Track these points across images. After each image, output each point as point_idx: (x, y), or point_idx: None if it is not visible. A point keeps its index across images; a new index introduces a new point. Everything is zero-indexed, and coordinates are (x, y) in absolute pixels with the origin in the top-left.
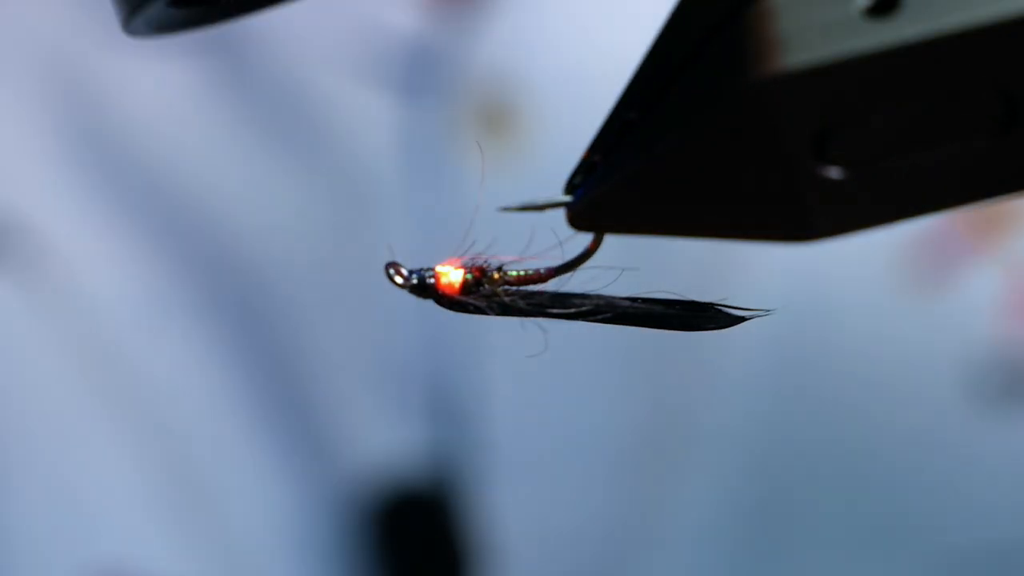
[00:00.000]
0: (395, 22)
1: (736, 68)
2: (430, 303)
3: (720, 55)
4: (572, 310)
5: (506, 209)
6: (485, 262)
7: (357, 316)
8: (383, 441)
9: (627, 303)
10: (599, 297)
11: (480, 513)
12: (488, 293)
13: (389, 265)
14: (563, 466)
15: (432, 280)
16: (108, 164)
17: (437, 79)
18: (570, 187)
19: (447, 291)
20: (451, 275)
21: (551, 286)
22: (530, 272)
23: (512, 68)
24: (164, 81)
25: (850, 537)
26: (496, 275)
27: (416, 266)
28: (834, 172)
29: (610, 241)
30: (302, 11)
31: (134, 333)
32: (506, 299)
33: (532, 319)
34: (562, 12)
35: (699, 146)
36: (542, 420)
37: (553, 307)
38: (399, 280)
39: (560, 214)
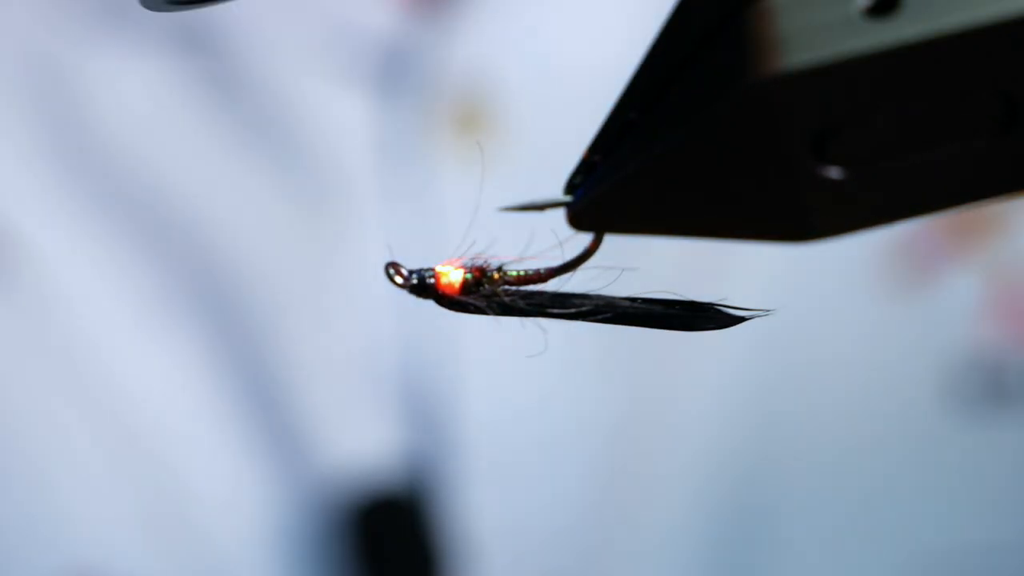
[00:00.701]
0: (370, 21)
1: (736, 68)
2: (412, 305)
3: (720, 55)
4: (572, 310)
5: (506, 209)
6: (485, 262)
7: (334, 315)
8: (358, 442)
9: (627, 303)
10: (599, 297)
11: (455, 514)
12: (488, 293)
13: (389, 265)
14: (538, 467)
15: (432, 280)
16: (83, 166)
17: (412, 79)
18: (570, 187)
19: (447, 291)
20: (451, 275)
21: (551, 286)
22: (530, 272)
23: (487, 68)
24: (140, 81)
25: (829, 540)
26: (496, 275)
27: (415, 266)
28: (834, 172)
29: (610, 241)
30: (277, 10)
31: (111, 335)
32: (506, 299)
33: (532, 319)
34: (537, 12)
35: (699, 146)
36: (517, 420)
37: (553, 307)
38: (399, 280)
39: (560, 214)
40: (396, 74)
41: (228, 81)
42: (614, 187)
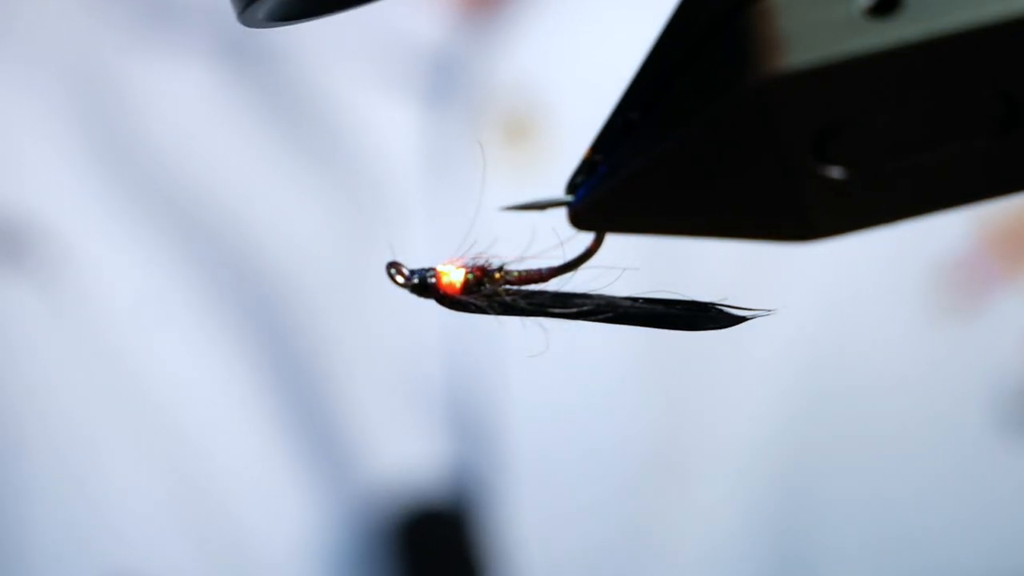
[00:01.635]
0: (418, 31)
1: (737, 68)
2: (454, 315)
3: (721, 55)
4: (573, 310)
5: (508, 208)
6: (486, 262)
7: (378, 326)
8: (403, 453)
9: (628, 303)
10: (600, 297)
11: (499, 526)
12: (489, 293)
13: (390, 265)
14: (583, 479)
15: (433, 280)
16: (130, 169)
17: (459, 89)
18: (572, 187)
19: (448, 291)
20: (452, 275)
21: (552, 286)
22: (531, 272)
23: (534, 79)
24: (186, 87)
25: (872, 565)
26: (497, 275)
27: (420, 267)
28: (835, 172)
29: (611, 241)
30: (326, 19)
31: (155, 340)
32: (507, 299)
33: (533, 319)
34: (584, 24)
35: (700, 146)
36: (562, 432)
37: (554, 307)
38: (400, 280)
39: (562, 214)
40: (444, 83)
41: (276, 86)
42: (615, 187)
